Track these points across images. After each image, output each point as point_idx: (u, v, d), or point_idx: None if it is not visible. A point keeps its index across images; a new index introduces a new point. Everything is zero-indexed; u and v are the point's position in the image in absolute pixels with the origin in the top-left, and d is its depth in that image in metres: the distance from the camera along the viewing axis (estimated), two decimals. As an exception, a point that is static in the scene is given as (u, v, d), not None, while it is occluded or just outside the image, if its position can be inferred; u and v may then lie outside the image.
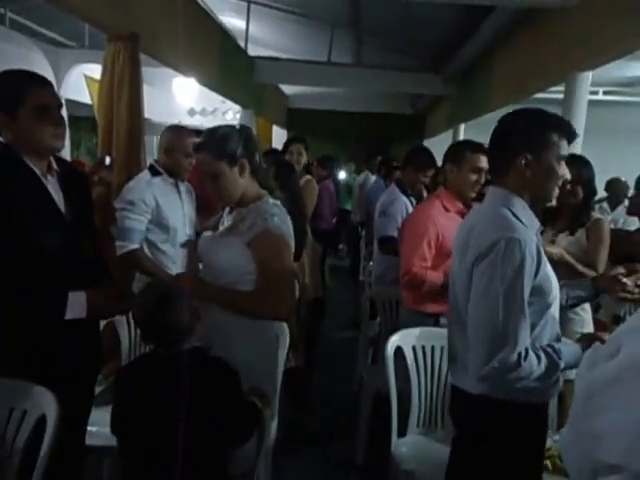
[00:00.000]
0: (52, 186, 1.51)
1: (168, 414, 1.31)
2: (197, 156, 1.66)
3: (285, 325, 2.08)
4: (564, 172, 1.38)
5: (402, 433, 2.10)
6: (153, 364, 1.39)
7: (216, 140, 1.61)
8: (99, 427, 1.87)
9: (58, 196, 1.52)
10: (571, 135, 1.37)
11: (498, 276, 1.27)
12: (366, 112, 9.93)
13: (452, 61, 6.34)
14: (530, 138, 1.35)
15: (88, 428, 1.80)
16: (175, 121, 7.30)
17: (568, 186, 2.21)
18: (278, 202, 1.70)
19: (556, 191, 1.41)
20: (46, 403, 1.37)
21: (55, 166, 1.54)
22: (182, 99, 7.76)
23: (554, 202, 1.45)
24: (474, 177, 2.33)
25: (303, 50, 7.44)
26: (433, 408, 2.15)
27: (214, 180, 1.62)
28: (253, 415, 1.49)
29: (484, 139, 2.52)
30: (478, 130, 6.39)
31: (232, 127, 1.67)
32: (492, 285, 1.27)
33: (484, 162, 2.33)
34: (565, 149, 1.37)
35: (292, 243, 1.69)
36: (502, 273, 1.26)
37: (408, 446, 2.06)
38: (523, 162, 1.35)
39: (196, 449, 1.33)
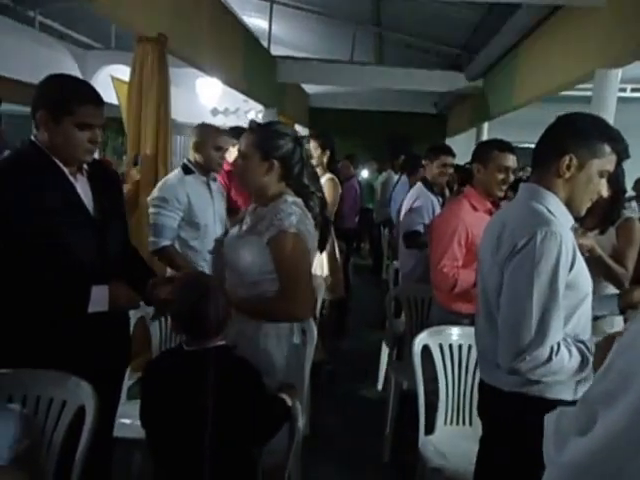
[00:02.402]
0: (81, 185, 1.56)
1: (194, 409, 1.33)
2: (246, 134, 1.69)
3: (312, 321, 2.11)
4: (602, 188, 1.36)
5: (429, 431, 2.11)
6: (180, 359, 1.42)
7: (265, 132, 1.66)
8: (129, 419, 1.94)
9: (86, 195, 1.56)
10: (623, 154, 1.35)
11: (534, 269, 1.27)
12: (388, 111, 9.90)
13: (476, 59, 6.29)
14: (581, 142, 1.33)
15: (120, 420, 1.86)
16: (198, 121, 7.42)
17: None
18: (299, 201, 1.70)
19: (588, 204, 1.39)
20: (85, 394, 1.42)
21: (85, 166, 1.59)
22: (205, 99, 7.86)
23: (582, 213, 1.42)
24: (501, 176, 2.34)
25: (325, 49, 7.47)
26: (461, 406, 2.15)
27: (242, 159, 1.68)
28: (281, 411, 1.51)
29: (508, 137, 2.53)
30: (502, 128, 6.38)
31: (290, 132, 1.70)
32: (527, 278, 1.28)
33: (511, 161, 2.33)
34: (611, 165, 1.35)
35: (313, 243, 1.70)
36: (538, 266, 1.27)
37: (435, 443, 2.07)
38: (566, 163, 1.34)
39: (223, 444, 1.36)
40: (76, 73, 6.22)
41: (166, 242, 2.27)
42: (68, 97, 1.45)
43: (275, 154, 1.64)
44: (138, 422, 1.88)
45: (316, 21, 6.58)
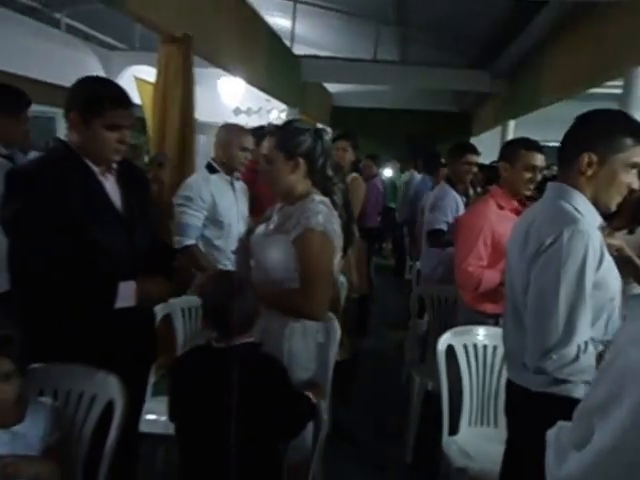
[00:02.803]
0: (110, 184, 1.60)
1: (221, 405, 1.35)
2: (268, 138, 1.71)
3: (336, 321, 2.12)
4: (632, 180, 1.34)
5: (453, 431, 2.10)
6: (208, 355, 1.44)
7: (285, 132, 1.68)
8: (155, 415, 1.98)
9: (115, 193, 1.61)
10: None
11: (560, 268, 1.27)
12: (411, 110, 9.87)
13: (501, 57, 6.23)
14: (599, 138, 1.32)
15: (146, 416, 1.90)
16: (221, 120, 7.50)
17: None
18: (326, 200, 1.71)
19: (618, 198, 1.37)
20: (113, 389, 1.46)
21: (114, 165, 1.63)
22: (228, 98, 7.94)
23: (613, 208, 1.40)
24: (528, 175, 2.32)
25: (348, 48, 7.47)
26: (485, 407, 2.14)
27: (267, 163, 1.69)
28: (306, 408, 1.53)
29: (535, 135, 2.51)
30: (529, 126, 6.30)
31: (309, 126, 1.72)
32: (554, 277, 1.27)
33: (539, 160, 2.31)
34: (639, 156, 1.33)
35: (338, 242, 1.70)
36: (565, 265, 1.26)
37: (459, 444, 2.06)
38: (586, 161, 1.33)
39: (249, 440, 1.38)
40: (100, 74, 6.34)
41: (190, 241, 2.31)
42: (99, 99, 1.50)
43: (298, 151, 1.66)
44: (163, 418, 1.93)
45: (339, 20, 6.60)
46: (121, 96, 1.55)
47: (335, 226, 1.67)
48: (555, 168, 7.72)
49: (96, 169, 1.56)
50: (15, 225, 1.45)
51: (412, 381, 2.81)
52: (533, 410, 1.42)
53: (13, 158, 2.18)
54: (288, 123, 1.76)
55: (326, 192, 1.74)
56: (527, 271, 1.36)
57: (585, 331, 1.28)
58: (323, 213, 1.63)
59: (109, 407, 1.46)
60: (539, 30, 4.94)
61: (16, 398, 1.31)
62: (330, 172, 1.75)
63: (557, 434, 0.78)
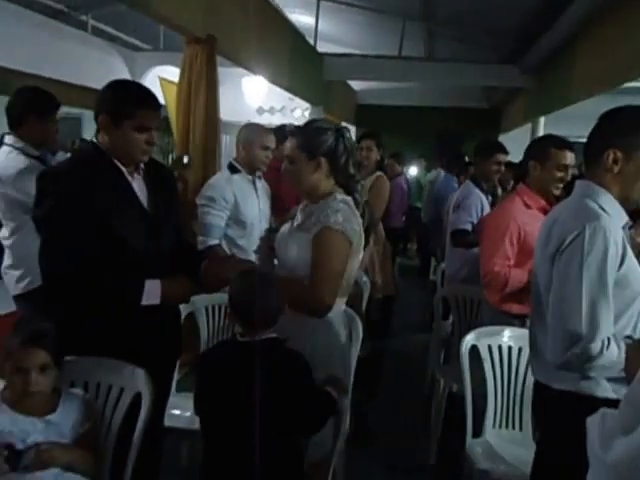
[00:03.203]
0: (137, 184, 1.68)
1: (245, 399, 1.40)
2: (290, 139, 1.77)
3: (358, 319, 2.17)
4: None
5: (477, 434, 2.12)
6: (233, 350, 1.51)
7: (306, 132, 1.74)
8: (179, 410, 2.06)
9: (142, 193, 1.69)
10: None
11: (582, 263, 1.29)
12: (438, 107, 9.80)
13: (530, 51, 6.16)
14: (624, 134, 1.34)
15: (170, 411, 1.98)
16: (244, 120, 7.61)
17: None
18: (348, 199, 1.75)
19: None
20: (141, 382, 1.54)
21: (142, 165, 1.71)
22: (251, 98, 8.03)
23: None
24: (560, 174, 2.30)
25: (373, 45, 7.48)
26: (510, 409, 2.15)
27: (290, 163, 1.75)
28: (327, 404, 1.57)
29: (567, 132, 2.49)
30: (560, 123, 6.22)
31: (330, 125, 1.76)
32: (576, 273, 1.30)
33: (570, 158, 2.29)
34: None
35: (359, 241, 1.74)
36: (586, 261, 1.29)
37: (483, 446, 2.08)
38: (611, 158, 1.35)
39: (272, 434, 1.43)
40: (125, 74, 6.55)
41: (214, 241, 2.38)
42: (128, 102, 1.58)
43: (320, 151, 1.70)
44: (188, 413, 2.02)
45: (363, 16, 6.62)
46: (150, 98, 1.63)
47: (355, 225, 1.70)
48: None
49: (124, 169, 1.64)
50: (46, 224, 1.55)
51: (436, 383, 2.83)
52: (558, 409, 1.44)
53: (44, 159, 2.29)
54: (310, 123, 1.81)
55: (349, 190, 1.79)
56: (549, 268, 1.38)
57: (609, 326, 1.30)
58: (343, 212, 1.67)
59: (136, 400, 1.53)
60: (570, 23, 4.87)
61: (51, 389, 1.40)
62: (352, 170, 1.79)
63: (601, 420, 0.80)
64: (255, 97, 8.04)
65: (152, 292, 1.61)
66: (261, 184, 2.60)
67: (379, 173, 3.49)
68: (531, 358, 1.62)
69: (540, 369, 1.52)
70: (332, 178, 1.76)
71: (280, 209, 2.68)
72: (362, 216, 1.81)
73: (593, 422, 0.82)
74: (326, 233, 1.64)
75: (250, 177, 2.52)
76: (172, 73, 6.58)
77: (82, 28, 6.40)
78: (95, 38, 6.50)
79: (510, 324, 2.25)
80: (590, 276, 1.29)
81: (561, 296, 1.34)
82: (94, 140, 1.64)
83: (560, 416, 1.44)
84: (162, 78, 6.38)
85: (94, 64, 5.94)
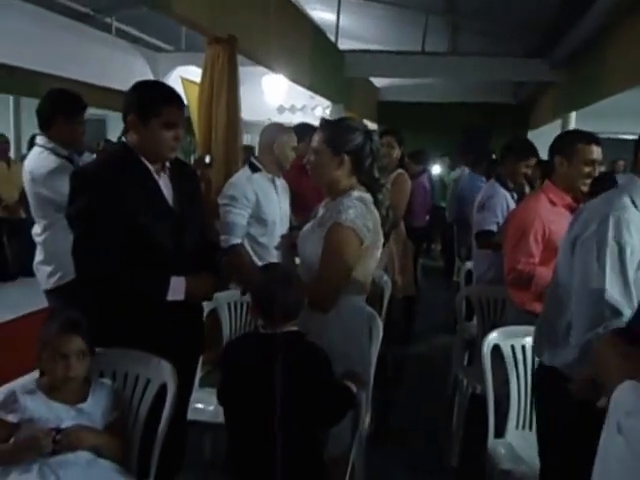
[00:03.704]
0: (164, 183, 1.78)
1: (266, 390, 1.48)
2: (318, 131, 1.84)
3: (378, 318, 2.22)
4: None
5: (499, 434, 2.14)
6: (255, 341, 1.59)
7: (335, 128, 1.81)
8: (203, 404, 2.15)
9: (168, 192, 1.78)
10: None
11: (605, 249, 1.35)
12: (463, 103, 9.73)
13: (560, 44, 6.10)
14: None
15: (194, 405, 2.07)
16: (264, 119, 7.73)
17: None
18: (366, 196, 1.80)
19: None
20: (167, 373, 1.63)
21: (168, 164, 1.81)
22: (271, 97, 8.14)
23: None
24: (587, 169, 2.29)
25: (395, 41, 7.50)
26: (533, 410, 2.17)
27: (314, 154, 1.82)
28: (346, 397, 1.63)
29: (600, 128, 2.47)
30: (590, 120, 6.15)
31: (360, 126, 1.83)
32: (597, 259, 1.36)
33: (597, 154, 2.28)
34: None
35: (374, 239, 1.78)
36: (608, 247, 1.34)
37: (505, 447, 2.10)
38: None
39: (292, 425, 1.49)
40: (148, 75, 6.72)
41: (236, 240, 2.47)
42: (154, 101, 1.68)
43: (345, 149, 1.77)
44: (211, 407, 2.11)
45: (385, 11, 6.64)
46: (174, 96, 1.74)
47: (369, 222, 1.74)
48: (621, 162, 7.48)
49: (152, 168, 1.74)
50: (79, 222, 1.66)
51: (459, 384, 2.86)
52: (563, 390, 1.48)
53: (72, 159, 2.42)
54: (340, 120, 1.89)
55: (372, 191, 1.84)
56: (570, 252, 1.45)
57: (628, 312, 1.34)
58: (356, 208, 1.72)
59: (161, 392, 1.63)
60: (601, 14, 4.80)
61: (85, 376, 1.50)
62: (377, 174, 1.85)
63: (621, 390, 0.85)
64: (276, 96, 8.14)
65: (177, 288, 1.71)
66: (280, 182, 2.68)
67: (400, 171, 3.53)
68: (542, 343, 1.67)
69: (546, 351, 1.59)
70: (354, 177, 1.82)
71: (301, 207, 2.75)
72: (386, 217, 1.87)
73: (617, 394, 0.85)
74: (336, 229, 1.70)
75: (270, 175, 2.60)
76: (194, 73, 6.72)
77: (106, 30, 6.60)
78: (119, 40, 6.69)
79: (533, 324, 2.26)
80: (612, 262, 1.34)
81: (584, 281, 1.39)
82: (123, 140, 1.75)
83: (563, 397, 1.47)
84: (184, 78, 6.53)
85: (118, 65, 6.13)
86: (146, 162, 1.73)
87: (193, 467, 2.12)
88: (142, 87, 1.76)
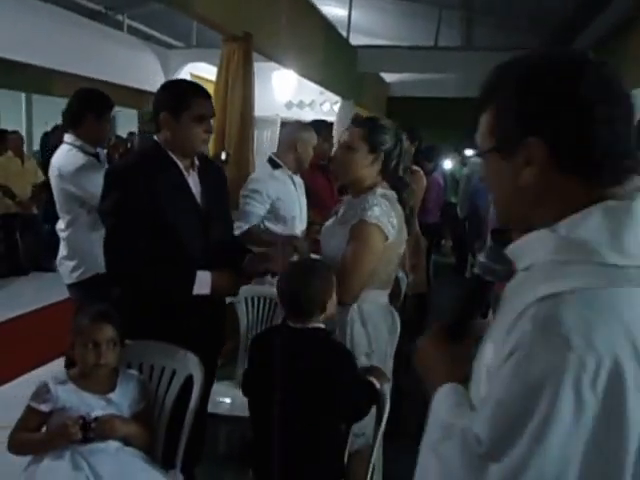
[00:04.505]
0: (192, 180, 1.84)
1: (289, 384, 1.52)
2: (352, 127, 1.88)
3: (396, 313, 2.27)
4: None
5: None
6: (282, 335, 1.62)
7: (373, 126, 1.85)
8: (219, 397, 2.21)
9: (197, 189, 1.84)
10: None
11: None
12: (473, 98, 9.69)
13: (579, 37, 6.06)
14: None
15: (216, 398, 2.13)
16: (273, 115, 7.78)
17: None
18: (390, 194, 1.85)
19: None
20: (192, 365, 1.69)
21: (197, 162, 1.87)
22: (280, 92, 8.19)
23: None
24: None
25: (408, 36, 7.50)
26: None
27: (346, 149, 1.85)
28: (370, 393, 1.66)
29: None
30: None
31: (392, 127, 1.88)
32: None
33: None
34: None
35: (399, 236, 1.83)
36: None
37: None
38: None
39: (316, 418, 1.54)
40: (159, 72, 6.79)
41: (250, 225, 2.53)
42: (182, 95, 1.75)
43: (381, 148, 1.82)
44: (227, 400, 2.17)
45: (397, 5, 6.67)
46: (200, 88, 1.82)
47: (393, 220, 1.79)
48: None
49: (182, 165, 1.81)
50: (111, 217, 1.73)
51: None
52: None
53: (99, 156, 2.51)
54: (374, 119, 1.93)
55: (396, 189, 1.90)
56: None
57: None
58: (381, 206, 1.76)
59: (186, 383, 1.69)
60: (619, 9, 4.79)
61: (114, 366, 1.57)
62: (401, 172, 1.91)
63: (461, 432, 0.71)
64: (285, 91, 8.19)
65: (203, 282, 1.77)
66: (298, 179, 2.74)
67: (415, 168, 3.58)
68: None
69: None
70: (380, 176, 1.87)
71: (314, 204, 2.82)
72: (410, 215, 1.93)
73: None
74: (361, 226, 1.75)
75: (289, 173, 2.66)
76: (204, 70, 6.81)
77: (118, 28, 6.69)
78: (130, 37, 6.77)
79: None
80: None
81: None
82: (155, 138, 1.81)
83: None
84: (195, 75, 6.61)
85: (129, 62, 6.20)
86: (176, 160, 1.79)
87: (209, 459, 2.18)
88: (169, 86, 1.85)
